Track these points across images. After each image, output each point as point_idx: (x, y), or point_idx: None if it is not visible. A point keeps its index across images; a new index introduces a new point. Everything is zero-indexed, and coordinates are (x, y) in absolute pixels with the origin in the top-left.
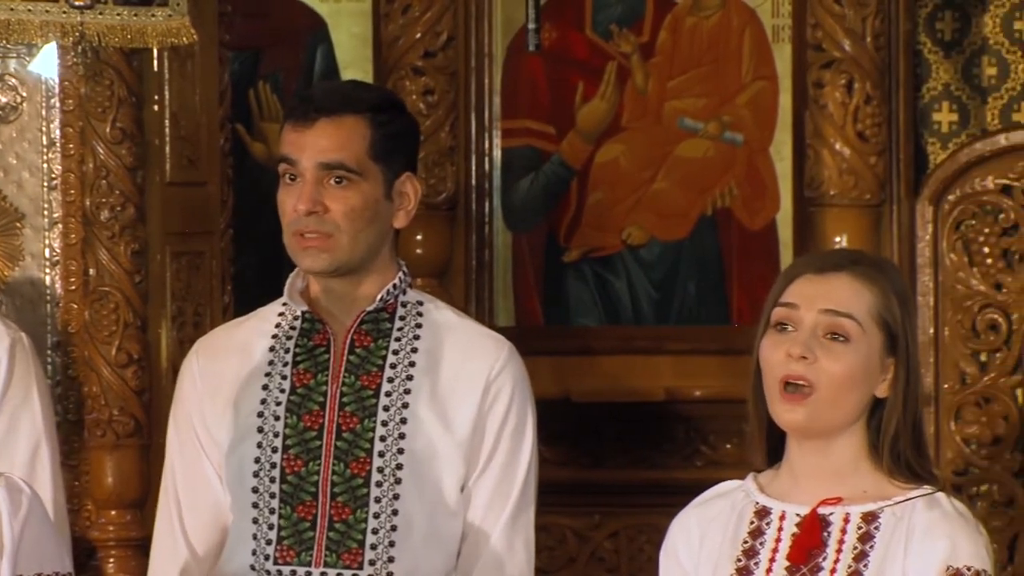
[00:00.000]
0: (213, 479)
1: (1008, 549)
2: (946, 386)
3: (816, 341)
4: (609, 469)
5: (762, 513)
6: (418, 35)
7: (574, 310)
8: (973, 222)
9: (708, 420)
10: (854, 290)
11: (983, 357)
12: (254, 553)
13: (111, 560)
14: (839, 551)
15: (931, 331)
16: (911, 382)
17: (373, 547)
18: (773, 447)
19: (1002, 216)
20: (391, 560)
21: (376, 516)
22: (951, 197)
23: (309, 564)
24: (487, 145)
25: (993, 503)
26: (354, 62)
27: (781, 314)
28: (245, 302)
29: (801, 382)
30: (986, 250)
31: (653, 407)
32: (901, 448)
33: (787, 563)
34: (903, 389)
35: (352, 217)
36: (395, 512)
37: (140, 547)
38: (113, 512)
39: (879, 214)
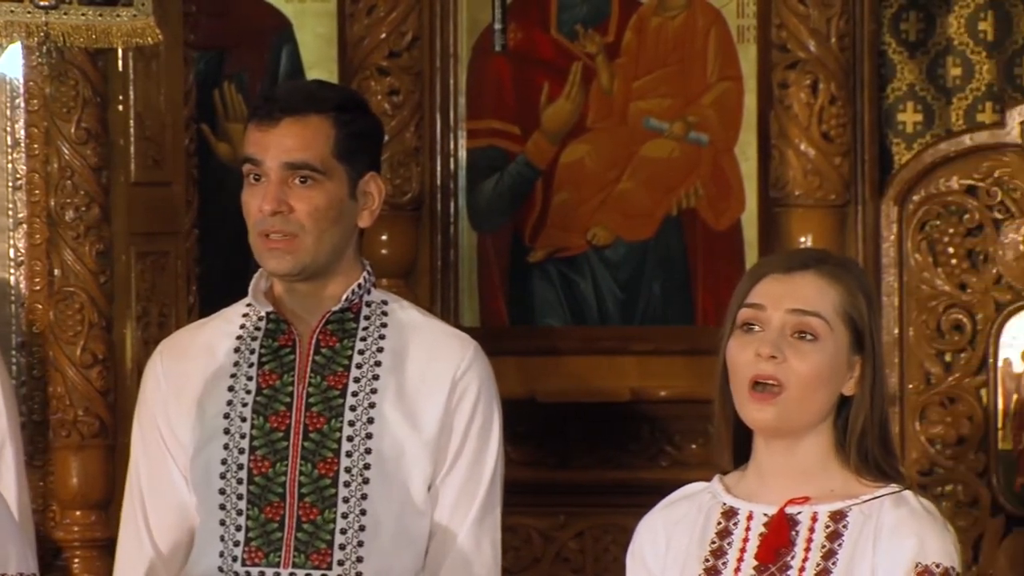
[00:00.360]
0: (178, 480)
1: (973, 549)
2: (911, 386)
3: (784, 340)
4: (574, 469)
5: (729, 514)
6: (383, 35)
7: (539, 310)
8: (938, 222)
9: (673, 420)
10: (820, 289)
11: (948, 357)
12: (222, 555)
13: (76, 560)
14: (807, 550)
15: (896, 331)
16: (877, 380)
17: (342, 547)
18: (739, 448)
19: (967, 216)
20: (360, 560)
21: (344, 516)
22: (916, 197)
23: (277, 565)
24: (452, 145)
25: (958, 503)
26: (319, 62)
27: (748, 315)
28: (210, 302)
29: (770, 381)
30: (951, 250)
31: (618, 407)
32: (868, 445)
33: (755, 563)
34: (870, 387)
35: (317, 217)
36: (363, 512)
37: (105, 547)
38: (78, 512)
39: (844, 214)
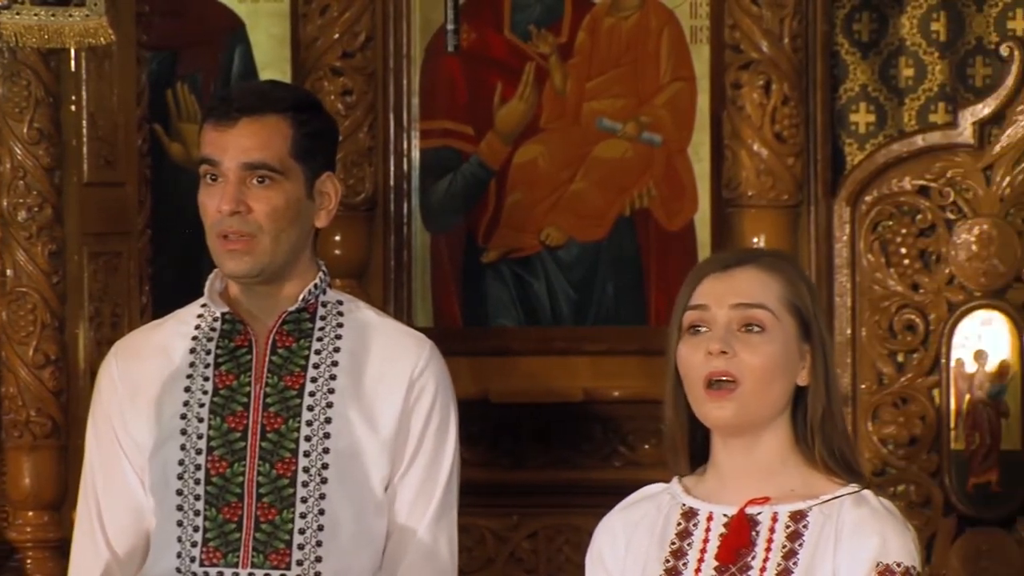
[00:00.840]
0: (133, 482)
1: (925, 549)
2: (863, 386)
3: (733, 336)
4: (528, 470)
5: (689, 514)
6: (336, 36)
7: (493, 311)
8: (890, 223)
9: (626, 420)
10: (761, 281)
11: (900, 358)
12: (179, 555)
13: (29, 561)
14: (768, 550)
15: (848, 332)
16: (829, 367)
17: (300, 547)
18: (695, 454)
19: (919, 217)
20: (319, 560)
21: (303, 516)
22: (868, 198)
23: (236, 565)
24: (406, 146)
25: (910, 503)
26: (272, 63)
27: (693, 317)
28: (163, 303)
29: (725, 377)
30: (903, 251)
31: (571, 408)
32: (829, 432)
33: (716, 563)
34: (823, 375)
35: (275, 217)
36: (322, 512)
37: (58, 548)
38: (30, 513)
39: (796, 215)
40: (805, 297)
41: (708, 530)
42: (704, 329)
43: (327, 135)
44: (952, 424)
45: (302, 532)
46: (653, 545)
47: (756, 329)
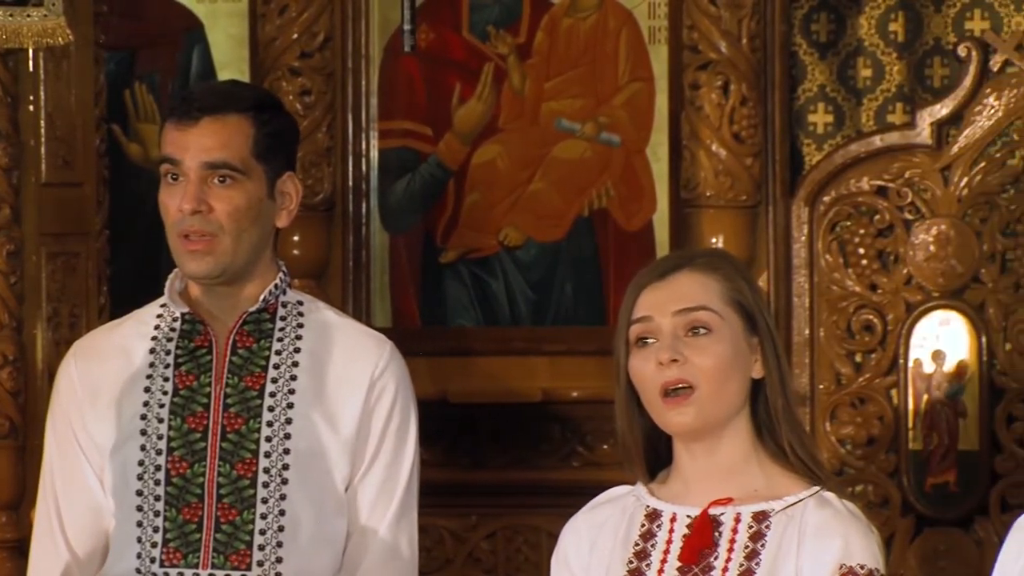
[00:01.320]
0: (93, 482)
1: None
2: (821, 387)
3: (680, 342)
4: (486, 470)
5: (653, 516)
6: (295, 36)
7: (451, 311)
8: (848, 223)
9: (585, 421)
10: (699, 283)
11: (858, 358)
12: (139, 556)
13: None
14: (731, 550)
15: (806, 332)
16: (779, 355)
17: (261, 548)
18: (656, 461)
19: (877, 217)
20: (279, 560)
21: (263, 517)
22: (826, 198)
23: (196, 566)
24: (364, 146)
25: (868, 503)
26: (231, 63)
27: (639, 330)
28: (121, 303)
29: (680, 384)
30: (861, 251)
31: (530, 408)
32: (787, 421)
33: (679, 563)
34: (775, 365)
35: (236, 217)
36: (282, 512)
37: (16, 549)
38: None
39: (755, 215)
40: (745, 291)
41: (672, 531)
42: (651, 340)
43: (288, 135)
44: (910, 424)
45: (263, 533)
46: (617, 546)
47: (702, 331)
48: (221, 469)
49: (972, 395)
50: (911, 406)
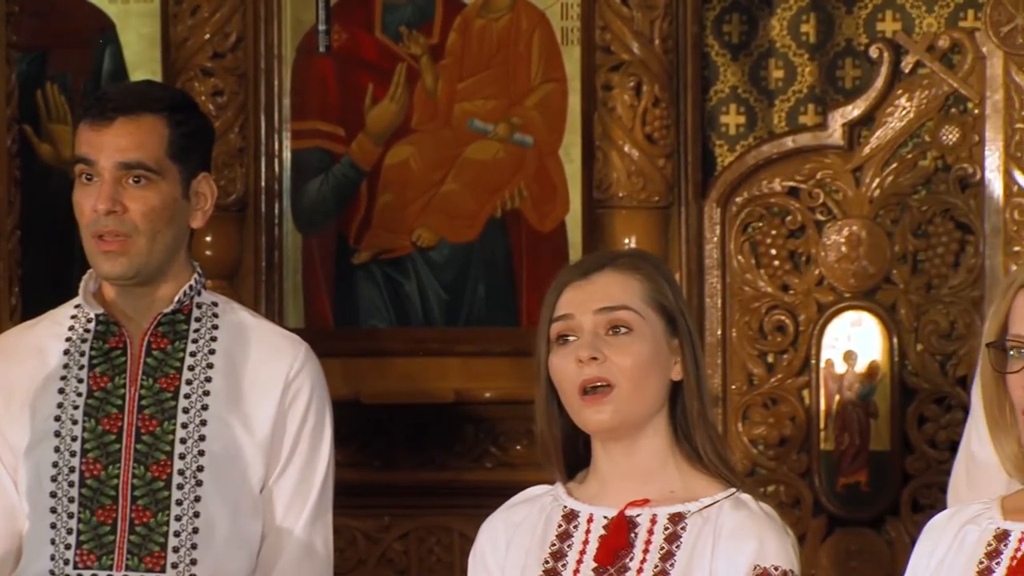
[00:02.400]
0: (7, 483)
1: None
2: (733, 387)
3: (601, 340)
4: (399, 471)
5: (570, 516)
6: (207, 36)
7: (364, 312)
8: (760, 224)
9: (498, 421)
10: (621, 282)
11: (770, 358)
12: (53, 558)
13: None
14: (646, 551)
15: (719, 332)
16: (698, 359)
17: (175, 550)
18: (576, 462)
19: (789, 218)
20: (193, 563)
21: (178, 519)
22: (738, 199)
23: (111, 568)
24: (277, 146)
25: (780, 504)
26: (143, 63)
27: (560, 328)
28: (33, 304)
29: (599, 383)
30: (773, 252)
31: (443, 409)
32: (704, 424)
33: (594, 564)
34: (693, 368)
35: (151, 217)
36: (196, 514)
37: None
38: None
39: (667, 216)
40: (667, 292)
41: (588, 532)
42: (572, 338)
43: (203, 135)
44: (822, 425)
45: (177, 535)
46: (534, 546)
47: (623, 331)
48: (136, 471)
49: (883, 396)
50: (823, 406)
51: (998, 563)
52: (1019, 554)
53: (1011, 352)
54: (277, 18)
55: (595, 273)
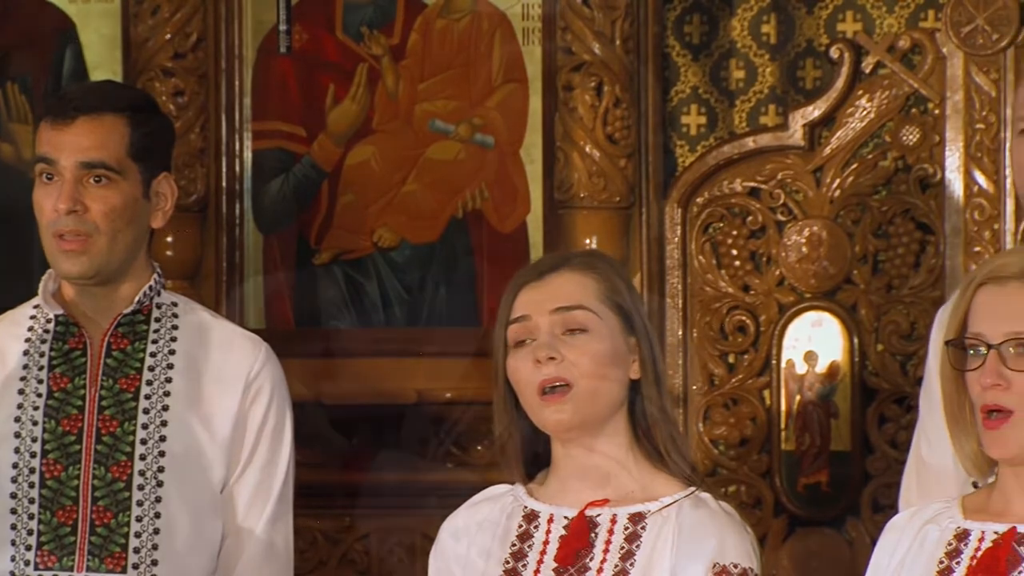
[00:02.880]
0: None
1: None
2: (694, 387)
3: (558, 340)
4: (360, 471)
5: (531, 517)
6: (168, 36)
7: (325, 312)
8: (721, 224)
9: (459, 422)
10: (576, 282)
11: (731, 359)
12: (13, 559)
13: None
14: (606, 551)
15: (680, 333)
16: (656, 357)
17: (136, 551)
18: (537, 462)
19: (750, 219)
20: (154, 563)
21: (139, 519)
22: (699, 200)
23: (71, 569)
24: (238, 147)
25: (741, 504)
26: (103, 63)
27: (517, 330)
28: None
29: (557, 383)
30: (734, 252)
31: (404, 409)
32: (664, 422)
33: (555, 564)
34: (651, 366)
35: (112, 217)
36: (157, 515)
37: None
38: None
39: (628, 216)
40: (622, 291)
41: (548, 532)
42: (529, 339)
43: (164, 135)
44: (783, 425)
45: (138, 535)
46: (495, 545)
47: (579, 330)
48: (96, 472)
49: (844, 396)
50: (784, 407)
51: (958, 562)
52: (979, 553)
53: (970, 350)
54: (238, 19)
55: (550, 274)
